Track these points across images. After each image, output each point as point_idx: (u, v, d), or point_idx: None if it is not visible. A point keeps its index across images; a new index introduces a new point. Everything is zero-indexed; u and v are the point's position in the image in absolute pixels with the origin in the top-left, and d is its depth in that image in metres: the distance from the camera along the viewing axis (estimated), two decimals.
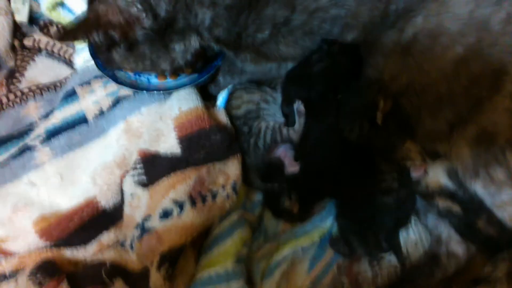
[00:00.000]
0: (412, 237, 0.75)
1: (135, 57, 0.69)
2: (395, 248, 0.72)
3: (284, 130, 0.71)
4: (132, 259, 0.66)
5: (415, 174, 0.71)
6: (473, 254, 0.70)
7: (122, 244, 0.68)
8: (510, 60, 0.65)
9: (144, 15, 0.64)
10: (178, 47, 0.69)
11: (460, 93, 0.67)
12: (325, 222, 0.77)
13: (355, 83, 0.72)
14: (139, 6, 0.63)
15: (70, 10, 0.83)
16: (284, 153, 0.71)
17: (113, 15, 0.63)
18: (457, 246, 0.71)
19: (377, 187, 0.70)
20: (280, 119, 0.75)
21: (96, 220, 0.69)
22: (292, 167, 0.69)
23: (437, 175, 0.71)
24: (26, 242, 0.66)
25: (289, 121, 0.72)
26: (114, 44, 0.67)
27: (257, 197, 0.77)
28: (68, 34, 0.69)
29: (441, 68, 0.67)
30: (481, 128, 0.66)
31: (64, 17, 0.85)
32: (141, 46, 0.68)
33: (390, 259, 0.73)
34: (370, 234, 0.72)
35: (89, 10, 0.67)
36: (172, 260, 0.64)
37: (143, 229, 0.65)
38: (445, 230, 0.72)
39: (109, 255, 0.66)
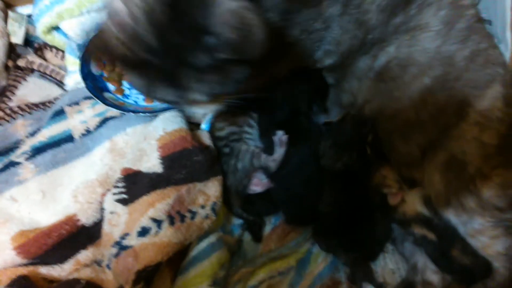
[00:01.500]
0: (389, 265, 0.75)
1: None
2: (368, 275, 0.72)
3: (262, 156, 0.73)
4: (108, 279, 0.65)
5: (392, 201, 0.72)
6: (448, 283, 0.70)
7: (99, 264, 0.67)
8: (473, 93, 0.69)
9: None
10: None
11: (428, 119, 0.70)
12: (301, 247, 0.77)
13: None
14: None
15: (64, 34, 0.86)
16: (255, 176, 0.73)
17: None
18: (432, 275, 0.71)
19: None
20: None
21: (74, 237, 0.68)
22: (255, 186, 0.71)
23: (413, 202, 0.72)
24: (3, 258, 0.65)
25: (267, 150, 0.74)
26: None
27: (237, 220, 0.77)
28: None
29: (409, 95, 0.71)
30: (450, 154, 0.69)
31: (58, 40, 0.88)
32: None
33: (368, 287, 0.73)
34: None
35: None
36: (147, 278, 0.63)
37: (121, 247, 0.65)
38: (421, 259, 0.72)
39: (85, 274, 0.66)
